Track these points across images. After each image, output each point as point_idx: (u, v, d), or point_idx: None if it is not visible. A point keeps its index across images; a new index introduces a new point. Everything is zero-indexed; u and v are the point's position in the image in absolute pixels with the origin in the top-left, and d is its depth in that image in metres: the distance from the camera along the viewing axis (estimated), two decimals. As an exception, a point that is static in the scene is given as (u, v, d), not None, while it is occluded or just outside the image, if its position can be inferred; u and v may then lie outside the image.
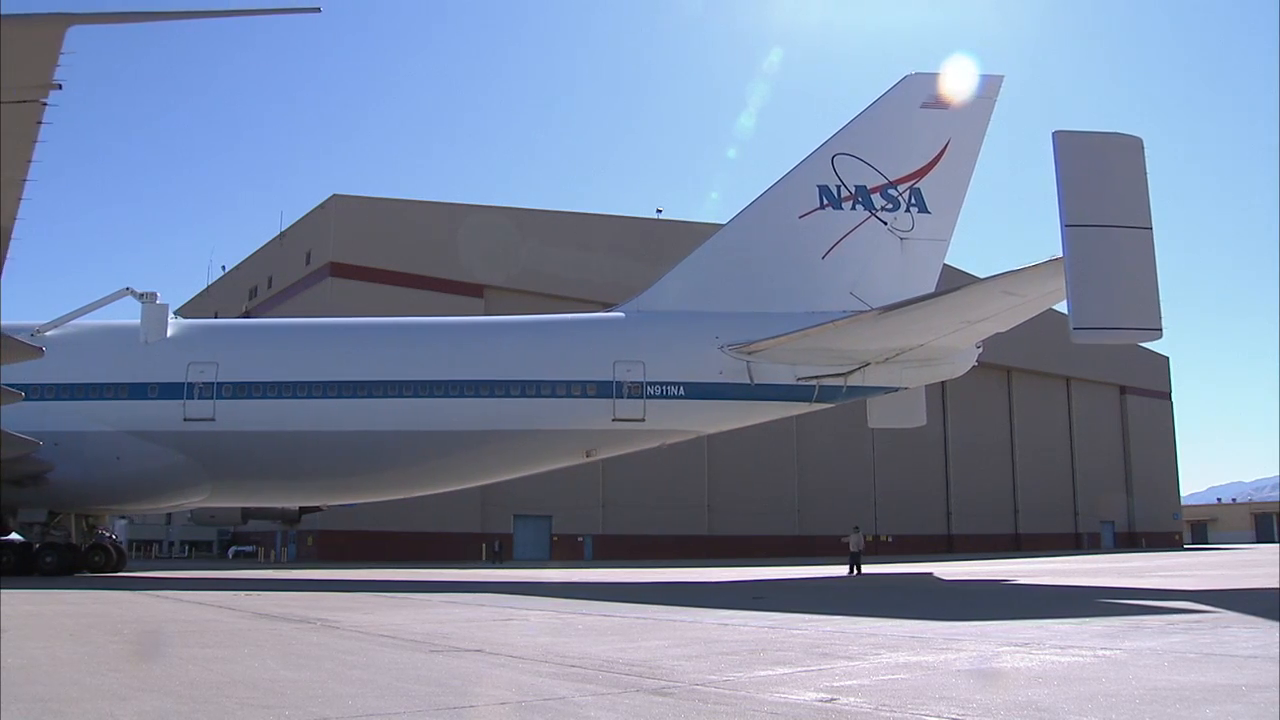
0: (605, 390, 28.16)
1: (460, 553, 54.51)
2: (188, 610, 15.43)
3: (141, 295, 29.25)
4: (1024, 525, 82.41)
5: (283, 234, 66.55)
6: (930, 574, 31.12)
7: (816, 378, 28.37)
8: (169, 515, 56.33)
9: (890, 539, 70.77)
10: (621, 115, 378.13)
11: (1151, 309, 20.08)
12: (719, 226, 71.87)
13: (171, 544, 75.96)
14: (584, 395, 28.29)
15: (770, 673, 7.64)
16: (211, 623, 13.00)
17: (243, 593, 19.64)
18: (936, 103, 30.38)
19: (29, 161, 15.76)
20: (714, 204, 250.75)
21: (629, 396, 28.07)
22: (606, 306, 58.20)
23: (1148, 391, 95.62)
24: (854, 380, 28.55)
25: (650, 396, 28.15)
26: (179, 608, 15.95)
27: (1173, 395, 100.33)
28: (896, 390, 29.70)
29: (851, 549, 32.50)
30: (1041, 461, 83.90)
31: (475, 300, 58.77)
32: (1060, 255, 20.49)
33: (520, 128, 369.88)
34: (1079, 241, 19.93)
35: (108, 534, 32.79)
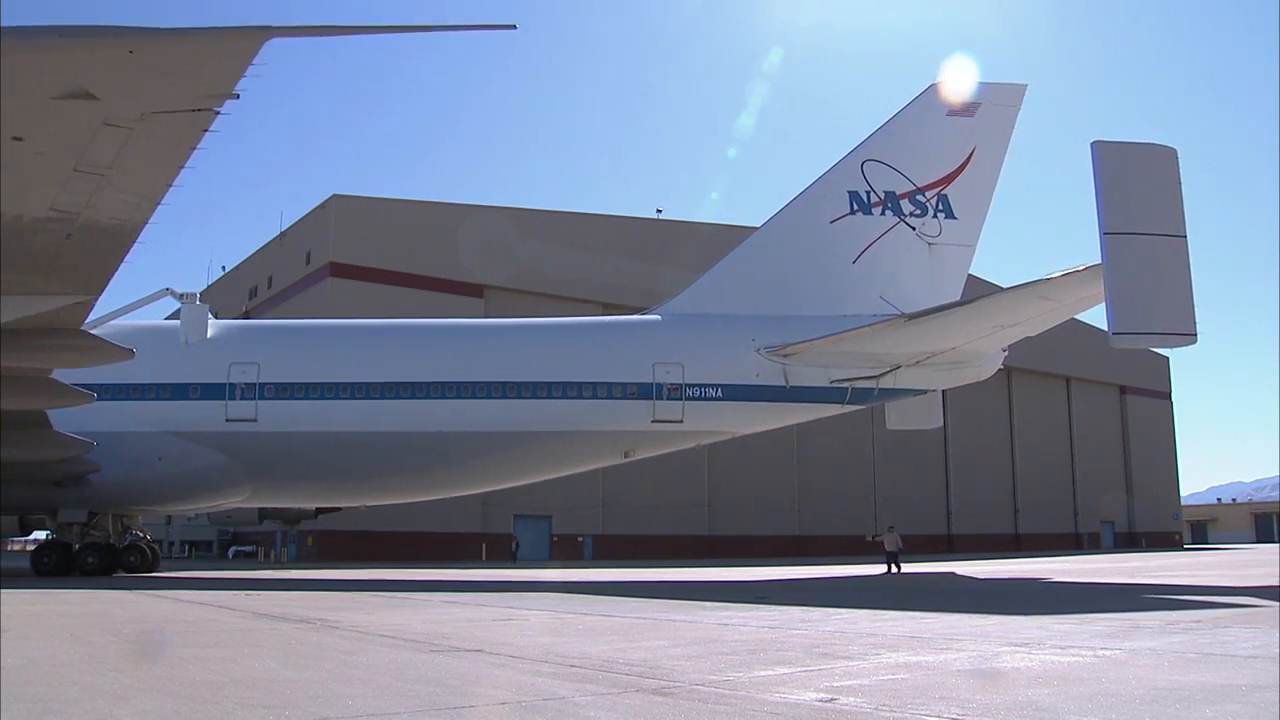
0: (645, 392, 28.61)
1: (460, 553, 54.48)
2: (188, 610, 15.43)
3: (182, 296, 29.30)
4: (1024, 525, 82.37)
5: (283, 234, 66.52)
6: (953, 573, 31.49)
7: (849, 380, 28.95)
8: (169, 515, 56.33)
9: (890, 539, 70.73)
10: (621, 115, 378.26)
11: (1186, 315, 20.54)
12: (719, 226, 72.07)
13: (171, 544, 75.88)
14: (624, 397, 28.71)
15: (770, 673, 7.64)
16: (211, 623, 13.00)
17: (243, 593, 19.63)
18: (963, 111, 30.94)
19: (180, 167, 15.90)
20: (714, 204, 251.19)
21: (668, 398, 28.55)
22: (607, 306, 58.65)
23: (1148, 391, 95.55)
24: (885, 383, 29.10)
25: (689, 398, 28.62)
26: (179, 608, 15.95)
27: (1173, 395, 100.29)
28: (925, 393, 30.26)
29: (888, 548, 33.14)
30: (1041, 461, 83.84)
31: (475, 300, 58.75)
32: (1097, 261, 21.05)
33: (520, 128, 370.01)
34: (1117, 249, 20.39)
35: (142, 534, 32.77)
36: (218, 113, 14.28)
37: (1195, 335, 20.62)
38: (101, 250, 18.52)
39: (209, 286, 77.28)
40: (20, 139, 14.74)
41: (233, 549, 69.40)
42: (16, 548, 70.62)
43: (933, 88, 31.31)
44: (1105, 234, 20.27)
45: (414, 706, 6.18)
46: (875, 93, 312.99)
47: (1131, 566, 36.08)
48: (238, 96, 13.81)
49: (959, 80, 31.92)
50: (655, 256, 62.70)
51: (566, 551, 60.32)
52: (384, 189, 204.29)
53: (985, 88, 31.44)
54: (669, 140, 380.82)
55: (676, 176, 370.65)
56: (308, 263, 61.95)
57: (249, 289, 70.88)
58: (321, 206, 62.20)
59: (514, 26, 14.38)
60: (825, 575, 30.58)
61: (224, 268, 78.04)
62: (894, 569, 32.05)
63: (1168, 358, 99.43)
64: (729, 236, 62.93)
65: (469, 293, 58.75)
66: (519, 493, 50.87)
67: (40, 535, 31.71)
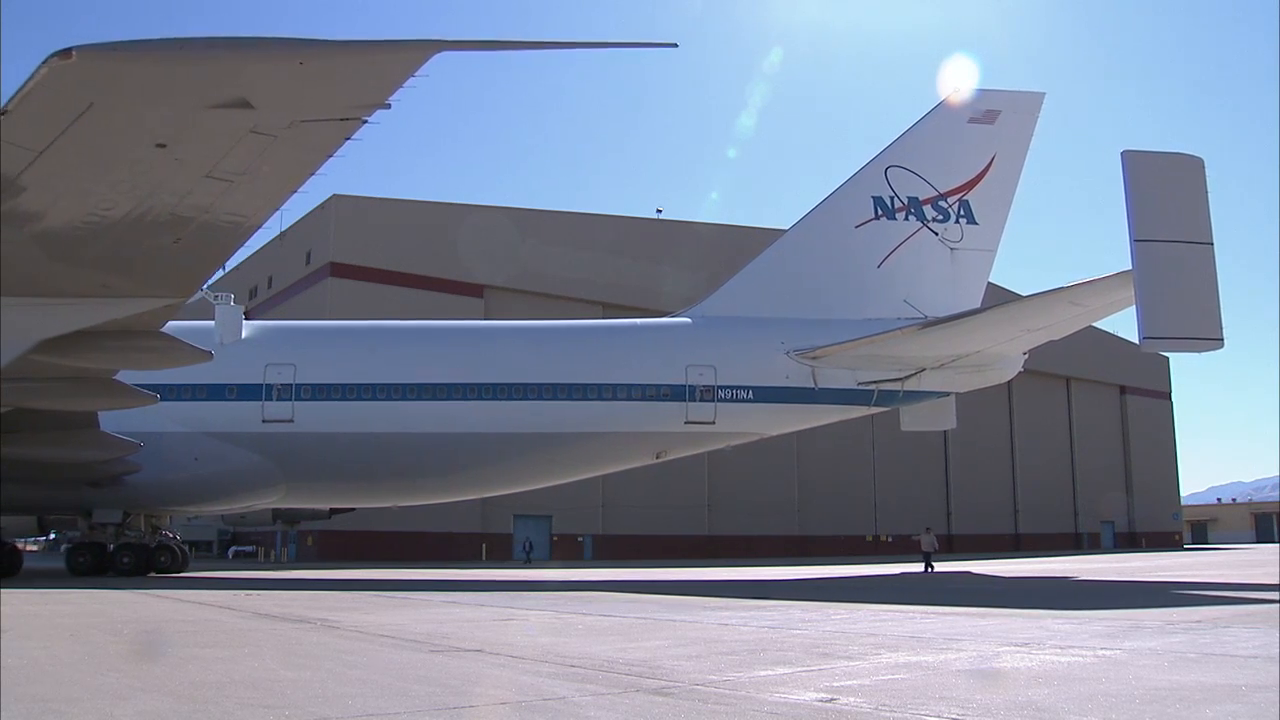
0: (679, 394, 29.04)
1: (460, 553, 54.46)
2: (188, 610, 15.43)
3: (216, 296, 29.35)
4: (1024, 525, 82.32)
5: (283, 234, 66.32)
6: (968, 572, 32.36)
7: (876, 382, 29.50)
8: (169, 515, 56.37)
9: (890, 539, 70.71)
10: (622, 115, 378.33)
11: (1213, 320, 20.95)
12: (719, 226, 71.78)
13: (171, 544, 75.80)
14: (658, 398, 29.19)
15: (770, 673, 7.64)
16: (211, 623, 13.00)
17: (243, 593, 19.64)
18: (983, 118, 31.58)
19: (311, 174, 15.89)
20: (714, 204, 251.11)
21: (701, 400, 29.00)
22: (606, 307, 58.57)
23: (1148, 391, 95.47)
24: (910, 385, 29.68)
25: (721, 400, 29.07)
26: (179, 608, 15.95)
27: (1173, 395, 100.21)
28: (947, 395, 30.75)
29: (924, 549, 34.71)
30: (1041, 461, 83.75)
31: (475, 300, 58.71)
32: (1113, 268, 22.08)
33: (520, 128, 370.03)
34: (1147, 256, 20.75)
35: (172, 534, 32.73)
36: (364, 121, 14.27)
37: (1222, 340, 20.94)
38: (206, 254, 18.59)
39: (209, 286, 77.22)
40: (163, 145, 14.73)
41: (233, 549, 69.34)
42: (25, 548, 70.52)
43: (954, 95, 32.02)
44: (1135, 241, 20.67)
45: (414, 706, 6.18)
46: (876, 93, 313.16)
47: (1134, 566, 36.12)
48: (389, 106, 13.85)
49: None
50: (655, 256, 62.66)
51: (566, 551, 60.29)
52: (384, 189, 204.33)
53: (1005, 96, 32.08)
54: (669, 140, 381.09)
55: (676, 176, 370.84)
56: (308, 263, 61.91)
57: (249, 289, 70.77)
58: (321, 206, 62.12)
59: (675, 45, 14.62)
60: (826, 575, 30.63)
61: (224, 267, 77.76)
62: (929, 568, 33.32)
63: (1167, 357, 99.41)
64: (729, 236, 63.43)
65: (469, 293, 58.70)
66: (519, 493, 50.93)
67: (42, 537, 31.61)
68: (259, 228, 17.55)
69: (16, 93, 13.37)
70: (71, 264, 18.21)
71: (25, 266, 18.11)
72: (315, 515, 39.80)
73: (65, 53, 12.56)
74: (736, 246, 60.16)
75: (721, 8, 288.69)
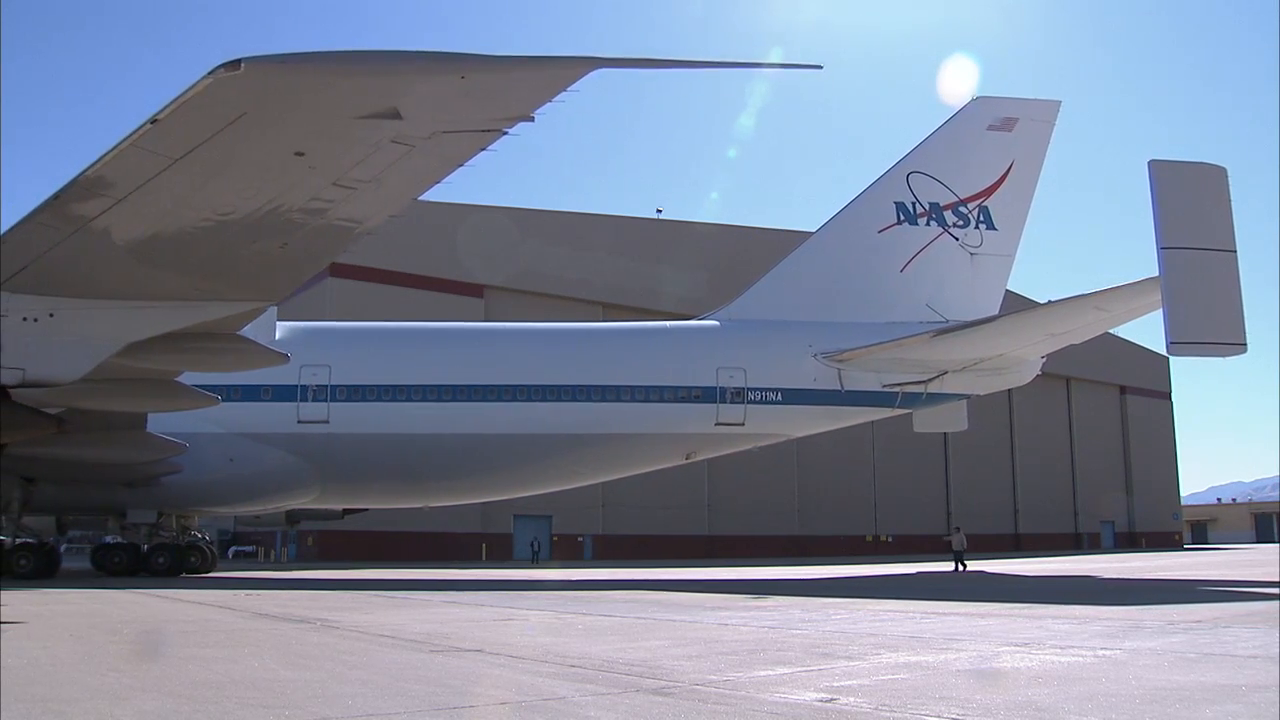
0: (709, 395, 29.54)
1: (460, 553, 54.46)
2: (187, 610, 15.43)
3: None
4: (1024, 525, 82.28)
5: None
6: (982, 571, 32.62)
7: (900, 385, 30.03)
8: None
9: (890, 539, 70.71)
10: (622, 115, 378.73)
11: (1237, 325, 21.29)
12: (719, 226, 71.66)
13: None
14: (690, 400, 29.70)
15: (770, 673, 7.64)
16: (211, 623, 13.00)
17: (243, 593, 19.64)
18: (1001, 125, 32.26)
19: (436, 183, 15.96)
20: (714, 204, 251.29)
21: (731, 402, 29.47)
22: (606, 307, 58.53)
23: (1148, 391, 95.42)
24: (933, 387, 30.24)
25: (751, 402, 29.58)
26: (179, 608, 15.95)
27: (1173, 395, 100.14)
28: (968, 397, 31.40)
29: (954, 548, 35.53)
30: (1041, 461, 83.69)
31: (475, 301, 58.68)
32: (1151, 275, 21.94)
33: (521, 128, 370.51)
34: (1173, 262, 20.96)
35: (200, 534, 32.74)
36: (504, 133, 14.33)
37: (1245, 345, 21.13)
38: (310, 258, 18.54)
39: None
40: (301, 154, 14.71)
41: (233, 549, 69.24)
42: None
43: (973, 103, 32.65)
44: (1162, 249, 20.87)
45: (414, 706, 6.19)
46: (876, 93, 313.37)
47: (1135, 566, 36.14)
48: (533, 119, 13.96)
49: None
50: (655, 256, 62.67)
51: (566, 551, 60.28)
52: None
53: (1022, 103, 32.70)
54: (669, 140, 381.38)
55: (676, 176, 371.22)
56: (308, 263, 61.87)
57: (249, 289, 70.81)
58: (322, 206, 62.02)
59: (820, 67, 14.87)
60: (826, 576, 30.65)
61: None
62: (960, 567, 33.93)
63: (1167, 358, 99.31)
64: (729, 236, 63.45)
65: (469, 293, 58.67)
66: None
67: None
68: (366, 234, 17.51)
69: (172, 102, 13.32)
70: (174, 268, 18.09)
71: (124, 269, 17.99)
72: (327, 515, 39.89)
73: (233, 64, 12.55)
74: (736, 246, 60.24)
75: (722, 8, 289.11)
